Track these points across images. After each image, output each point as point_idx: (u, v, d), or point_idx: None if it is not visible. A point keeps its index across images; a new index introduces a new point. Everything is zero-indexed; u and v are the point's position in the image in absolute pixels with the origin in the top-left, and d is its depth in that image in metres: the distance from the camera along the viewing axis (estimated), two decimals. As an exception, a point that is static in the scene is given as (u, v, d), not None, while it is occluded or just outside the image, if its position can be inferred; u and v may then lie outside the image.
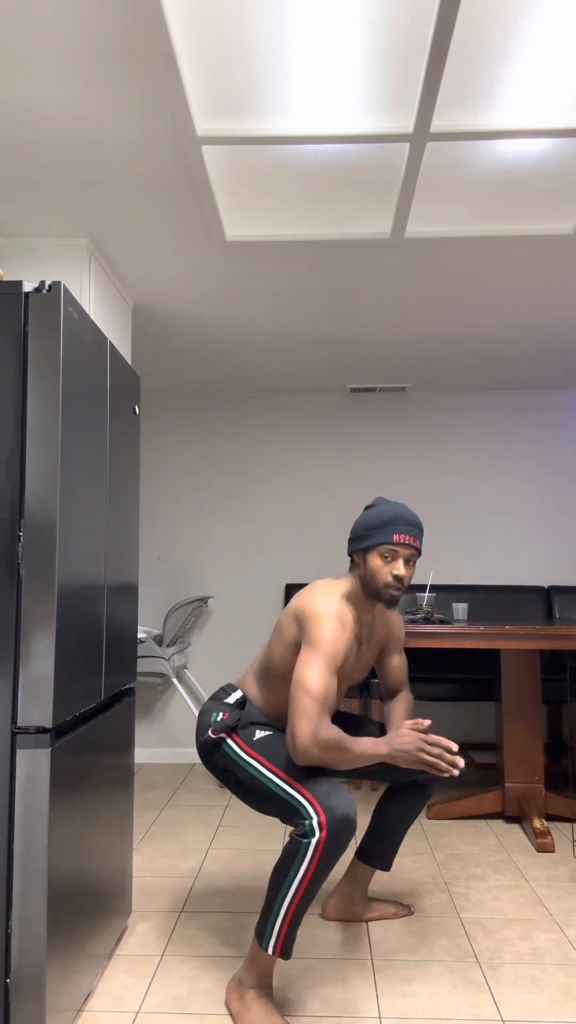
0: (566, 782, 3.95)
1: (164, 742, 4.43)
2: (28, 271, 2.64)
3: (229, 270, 2.86)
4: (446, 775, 1.85)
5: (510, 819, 3.30)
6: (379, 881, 2.63)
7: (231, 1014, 1.80)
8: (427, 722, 1.90)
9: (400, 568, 1.97)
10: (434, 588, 4.31)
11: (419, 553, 2.01)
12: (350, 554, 2.06)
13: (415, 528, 1.99)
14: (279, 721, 2.09)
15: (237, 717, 2.01)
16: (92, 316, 2.62)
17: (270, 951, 1.76)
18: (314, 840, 1.74)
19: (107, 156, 2.13)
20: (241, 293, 3.08)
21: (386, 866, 2.31)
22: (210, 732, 1.99)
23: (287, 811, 1.82)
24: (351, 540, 2.06)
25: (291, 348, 3.78)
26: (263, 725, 2.02)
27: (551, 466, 4.53)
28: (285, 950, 1.77)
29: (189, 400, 4.65)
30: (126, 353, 3.06)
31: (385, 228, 2.55)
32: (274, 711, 2.08)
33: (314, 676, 1.82)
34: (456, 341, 3.67)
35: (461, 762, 1.83)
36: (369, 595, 2.02)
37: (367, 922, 2.32)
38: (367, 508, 2.07)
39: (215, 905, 2.44)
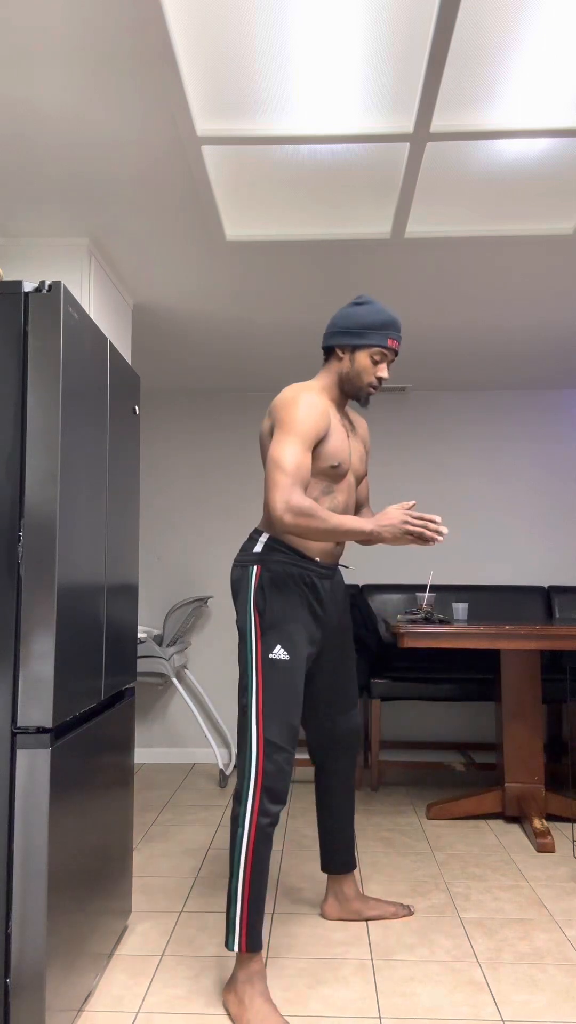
0: (566, 782, 3.95)
1: (164, 742, 4.43)
2: (28, 271, 2.64)
3: (229, 270, 2.86)
4: (432, 544, 1.90)
5: (510, 819, 3.30)
6: (379, 881, 2.64)
7: (230, 1015, 1.80)
8: (412, 502, 1.96)
9: (385, 371, 2.06)
10: (434, 588, 4.31)
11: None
12: (331, 347, 2.08)
13: (400, 333, 2.07)
14: (304, 548, 2.03)
15: (264, 601, 1.96)
16: (92, 316, 2.62)
17: (235, 948, 1.79)
18: (247, 810, 1.85)
19: (107, 156, 2.13)
20: (241, 293, 3.08)
21: (350, 866, 2.31)
22: (250, 600, 1.97)
23: (242, 745, 1.91)
24: (337, 333, 2.06)
25: (291, 348, 3.78)
26: (286, 629, 1.95)
27: (551, 466, 4.53)
28: (251, 942, 1.80)
29: (189, 400, 4.65)
30: (126, 353, 3.06)
31: (385, 228, 2.55)
32: (293, 537, 2.06)
33: (286, 452, 1.88)
34: (456, 341, 3.67)
35: (445, 530, 1.90)
36: (345, 391, 2.09)
37: (367, 921, 2.32)
38: (356, 304, 2.07)
39: (215, 905, 2.44)
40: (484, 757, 4.34)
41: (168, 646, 4.02)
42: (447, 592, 4.29)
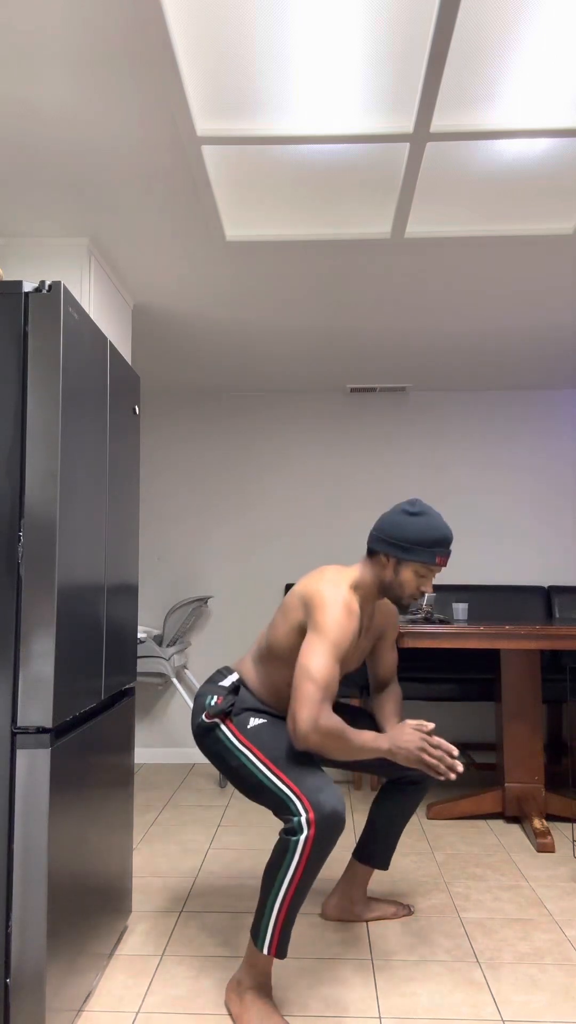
0: (566, 782, 3.95)
1: (164, 742, 4.43)
2: (28, 271, 2.64)
3: (229, 270, 2.86)
4: (443, 779, 1.85)
5: (510, 819, 3.30)
6: (379, 881, 2.64)
7: (231, 1015, 1.80)
8: (431, 725, 1.91)
9: (429, 585, 2.01)
10: (434, 588, 4.31)
11: None
12: (378, 551, 2.02)
13: (450, 548, 2.01)
14: (274, 706, 2.08)
15: (231, 702, 2.00)
16: (92, 316, 2.62)
17: (265, 951, 1.76)
18: (302, 837, 1.74)
19: (107, 156, 2.13)
20: (241, 293, 3.08)
21: (384, 865, 2.31)
22: (204, 717, 1.99)
23: (276, 804, 1.82)
24: (386, 542, 2.00)
25: (291, 348, 3.78)
26: (257, 712, 2.01)
27: (551, 466, 4.53)
28: (280, 949, 1.77)
29: (189, 400, 4.65)
30: (126, 353, 3.06)
31: (385, 228, 2.55)
32: (270, 695, 2.07)
33: (318, 662, 1.82)
34: (456, 341, 3.67)
35: (460, 767, 1.83)
36: (384, 595, 2.04)
37: (367, 922, 2.32)
38: (410, 513, 2.00)
39: (215, 905, 2.44)
40: (484, 757, 4.34)
41: (168, 646, 4.02)
42: (447, 592, 4.29)
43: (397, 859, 2.84)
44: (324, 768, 3.30)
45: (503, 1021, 1.79)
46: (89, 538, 1.85)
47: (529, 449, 4.54)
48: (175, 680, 4.00)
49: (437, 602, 4.26)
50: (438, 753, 1.84)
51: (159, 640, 4.17)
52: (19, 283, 1.67)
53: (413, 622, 3.12)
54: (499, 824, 3.25)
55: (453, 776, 1.83)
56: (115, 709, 2.09)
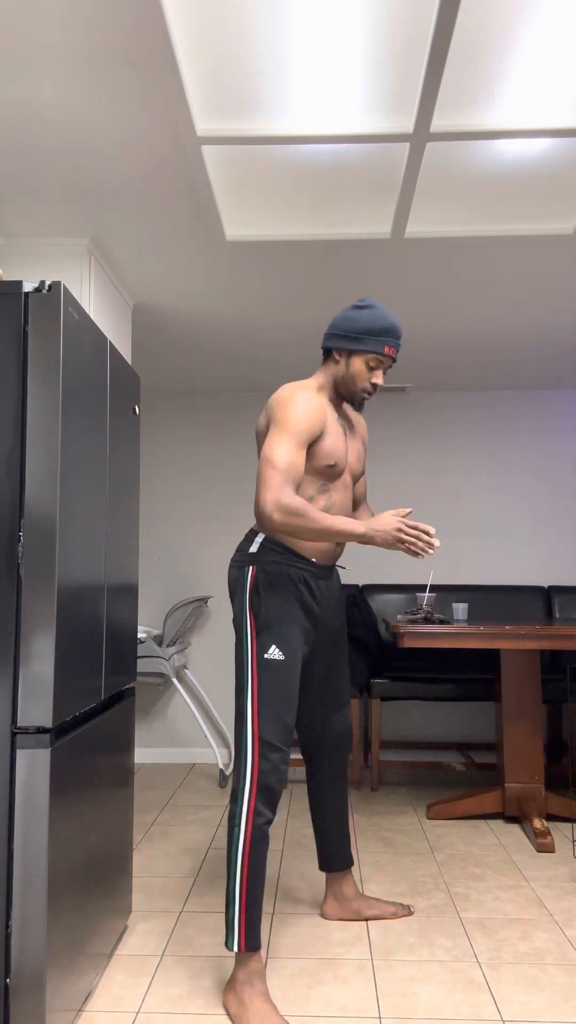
0: (566, 782, 3.95)
1: (164, 742, 4.43)
2: (28, 271, 2.64)
3: (229, 270, 2.86)
4: (422, 556, 1.90)
5: (510, 819, 3.30)
6: (379, 881, 2.64)
7: (230, 1015, 1.80)
8: (408, 510, 1.95)
9: (381, 377, 2.04)
10: (434, 588, 4.31)
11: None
12: (329, 348, 2.07)
13: (400, 340, 2.05)
14: (298, 548, 2.03)
15: (260, 602, 1.97)
16: (92, 316, 2.62)
17: (235, 948, 1.80)
18: (243, 809, 1.86)
19: (107, 156, 2.13)
20: (241, 293, 3.08)
21: (347, 863, 2.32)
22: (247, 601, 1.98)
23: (238, 744, 1.92)
24: (336, 336, 2.05)
25: (291, 348, 3.78)
26: (282, 629, 1.96)
27: (551, 466, 4.53)
28: (250, 942, 1.80)
29: (189, 400, 4.65)
30: (126, 353, 3.06)
31: (385, 228, 2.55)
32: (285, 537, 2.06)
33: (278, 449, 1.87)
34: (456, 341, 3.67)
35: (437, 543, 1.89)
36: (340, 394, 2.09)
37: (367, 920, 2.32)
38: (358, 307, 2.05)
39: (215, 905, 2.44)
40: (484, 757, 4.34)
41: (168, 646, 4.02)
42: (447, 592, 4.29)
43: (397, 859, 2.84)
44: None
45: (503, 1021, 1.79)
46: (89, 538, 1.85)
47: (529, 449, 4.54)
48: (175, 680, 4.00)
49: (437, 602, 4.26)
50: (415, 532, 1.88)
51: (159, 640, 4.17)
52: (19, 283, 1.67)
53: (413, 622, 3.12)
54: (499, 824, 3.25)
55: (431, 552, 1.88)
56: (115, 709, 2.09)
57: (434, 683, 3.80)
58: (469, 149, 2.09)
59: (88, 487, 1.85)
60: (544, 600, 4.29)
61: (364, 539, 1.90)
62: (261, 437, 2.03)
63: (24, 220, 2.51)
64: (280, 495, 1.83)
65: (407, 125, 1.99)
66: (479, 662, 4.03)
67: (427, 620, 3.22)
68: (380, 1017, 1.81)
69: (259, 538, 2.03)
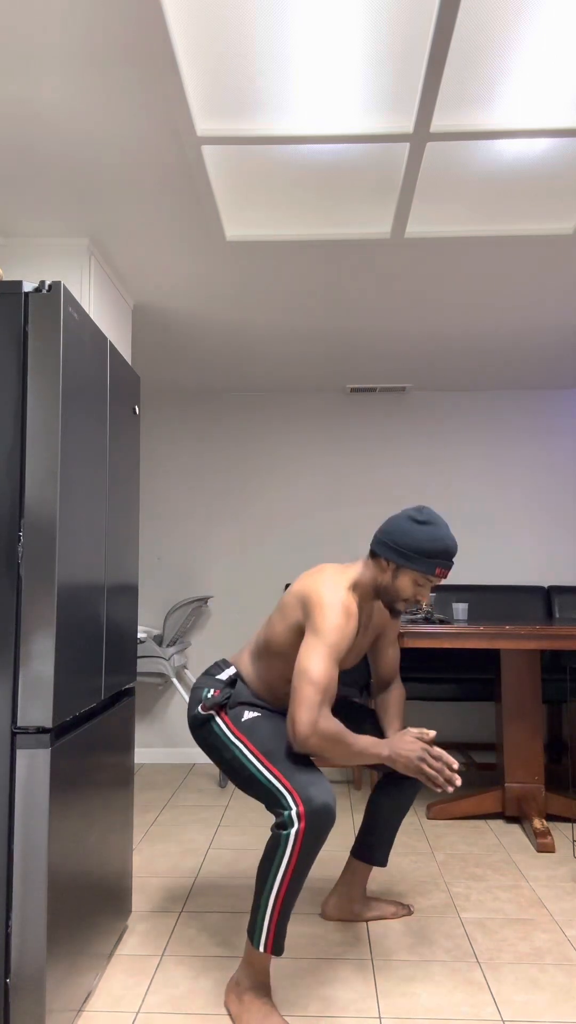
0: (566, 782, 3.95)
1: (164, 742, 4.43)
2: (28, 271, 2.64)
3: (229, 270, 2.86)
4: (439, 791, 1.87)
5: (510, 819, 3.30)
6: (379, 881, 2.64)
7: (230, 1015, 1.80)
8: (432, 733, 1.92)
9: (425, 595, 2.00)
10: (434, 589, 4.31)
11: None
12: (379, 555, 2.00)
13: (453, 560, 1.99)
14: (270, 701, 2.10)
15: (227, 695, 2.00)
16: (92, 316, 2.62)
17: (261, 948, 1.77)
18: (293, 831, 1.75)
19: (107, 156, 2.13)
20: (241, 293, 3.08)
21: (383, 861, 2.31)
22: (199, 708, 1.99)
23: (268, 798, 1.83)
24: (388, 547, 1.98)
25: (291, 348, 3.78)
26: (252, 706, 2.03)
27: (551, 466, 4.53)
28: (276, 946, 1.78)
29: (189, 400, 4.65)
30: (126, 353, 3.06)
31: (385, 228, 2.55)
32: (266, 690, 2.09)
33: (317, 665, 1.82)
34: (456, 341, 3.67)
35: (458, 780, 1.85)
36: (379, 597, 2.04)
37: (367, 922, 2.32)
38: (417, 521, 1.98)
39: (215, 905, 2.44)
40: (484, 757, 4.34)
41: (168, 646, 4.02)
42: (447, 592, 4.29)
43: (397, 859, 2.84)
44: (324, 767, 3.28)
45: (503, 1021, 1.79)
46: (89, 538, 1.85)
47: (529, 449, 4.54)
48: (175, 680, 4.00)
49: (437, 602, 4.26)
50: (438, 765, 1.85)
51: (159, 640, 4.17)
52: (19, 283, 1.67)
53: (413, 622, 3.12)
54: (499, 824, 3.25)
55: (451, 789, 1.84)
56: (115, 709, 2.09)
57: (434, 683, 3.79)
58: (469, 149, 2.09)
59: (88, 487, 1.85)
60: (544, 600, 4.29)
61: (388, 762, 1.88)
62: (291, 617, 1.99)
63: (24, 220, 2.51)
64: (319, 718, 1.79)
65: (407, 125, 1.99)
66: (479, 662, 4.03)
67: (427, 620, 3.22)
68: (380, 1017, 1.81)
69: (229, 670, 2.09)
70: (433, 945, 2.17)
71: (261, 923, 1.78)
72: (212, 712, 1.98)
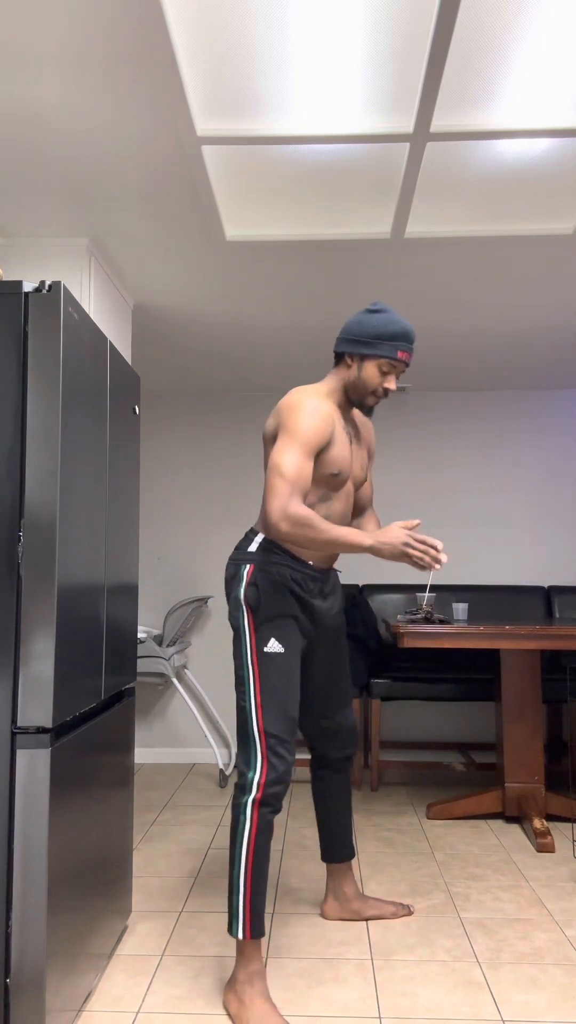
0: (566, 782, 3.95)
1: (164, 742, 4.43)
2: (28, 271, 2.64)
3: (229, 270, 2.86)
4: (429, 570, 1.89)
5: (510, 819, 3.30)
6: (379, 881, 2.64)
7: (230, 1015, 1.80)
8: (417, 521, 1.94)
9: (392, 383, 2.03)
10: (434, 588, 4.31)
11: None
12: (341, 353, 2.05)
13: (413, 345, 2.04)
14: (297, 553, 2.04)
15: (257, 599, 1.96)
16: (92, 316, 2.62)
17: (240, 935, 1.80)
18: (250, 799, 1.86)
19: (107, 156, 2.13)
20: (241, 293, 3.08)
21: (349, 854, 2.32)
22: (242, 593, 1.98)
23: (243, 739, 1.92)
24: (348, 340, 2.03)
25: (291, 348, 3.78)
26: (280, 624, 1.97)
27: (551, 466, 4.53)
28: (254, 928, 1.82)
29: (189, 400, 4.65)
30: (126, 353, 3.06)
31: (385, 228, 2.55)
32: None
33: (287, 458, 1.87)
34: (456, 341, 3.67)
35: (444, 558, 1.88)
36: (350, 399, 2.07)
37: (367, 920, 2.32)
38: (371, 311, 2.03)
39: (215, 905, 2.44)
40: (484, 757, 4.34)
41: (168, 646, 4.02)
42: (447, 592, 4.29)
43: (397, 859, 2.84)
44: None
45: (503, 1021, 1.79)
46: (89, 538, 1.85)
47: (529, 449, 4.54)
48: (175, 680, 4.00)
49: (437, 602, 4.26)
50: (422, 547, 1.87)
51: (159, 640, 4.17)
52: (19, 283, 1.67)
53: (413, 622, 3.12)
54: (499, 824, 3.25)
55: (438, 567, 1.87)
56: (115, 709, 2.09)
57: (434, 683, 3.80)
58: (469, 149, 2.09)
59: (88, 487, 1.85)
60: (544, 600, 4.29)
61: (371, 551, 1.89)
62: (269, 440, 2.03)
63: (24, 220, 2.51)
64: (288, 504, 1.83)
65: (407, 125, 1.99)
66: (479, 662, 4.03)
67: (427, 620, 3.22)
68: (380, 1017, 1.81)
69: (258, 538, 2.03)
70: (433, 945, 2.17)
71: (236, 907, 1.84)
72: (244, 611, 1.96)
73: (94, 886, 1.89)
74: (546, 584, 4.46)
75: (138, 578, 2.57)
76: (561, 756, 4.15)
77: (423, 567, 1.88)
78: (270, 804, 1.88)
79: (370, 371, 2.01)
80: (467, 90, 1.87)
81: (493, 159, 2.13)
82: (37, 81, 1.83)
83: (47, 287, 1.67)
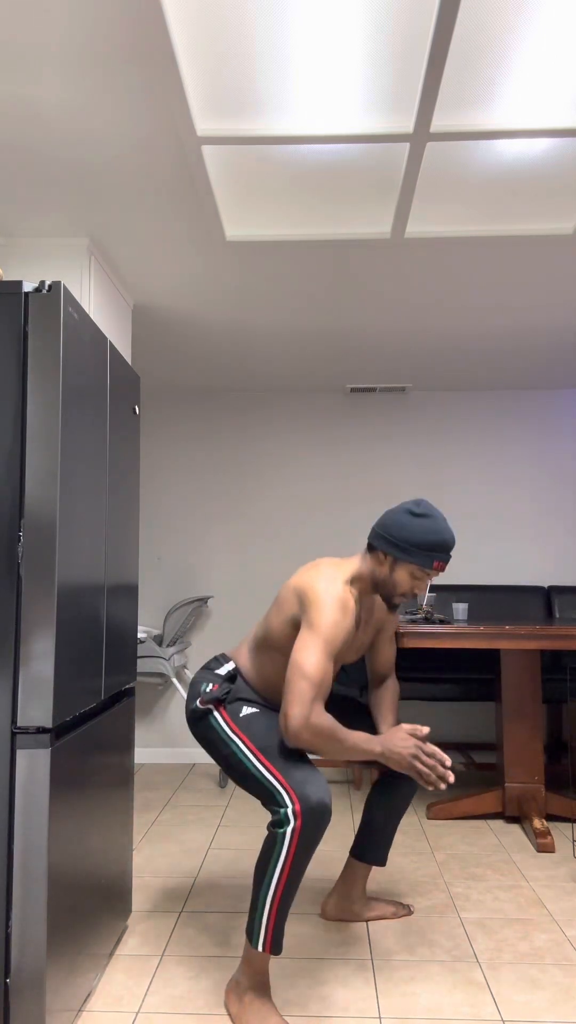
0: (566, 782, 3.95)
1: (164, 742, 4.43)
2: (28, 271, 2.64)
3: (229, 270, 2.86)
4: (431, 788, 1.86)
5: (510, 819, 3.30)
6: (379, 881, 2.64)
7: (230, 1015, 1.80)
8: (426, 729, 1.91)
9: (423, 588, 1.99)
10: (434, 588, 4.31)
11: None
12: (376, 548, 2.00)
13: (450, 554, 1.99)
14: (268, 697, 2.10)
15: (226, 690, 2.00)
16: (92, 316, 2.62)
17: (259, 948, 1.77)
18: (288, 829, 1.75)
19: (107, 156, 2.13)
20: (241, 293, 3.08)
21: (382, 860, 2.31)
22: (198, 702, 2.00)
23: (264, 795, 1.84)
24: (386, 540, 1.97)
25: (291, 348, 3.78)
26: (250, 702, 2.03)
27: (551, 466, 4.53)
28: (275, 945, 1.78)
29: (189, 400, 4.65)
30: (126, 353, 3.06)
31: (385, 228, 2.55)
32: (265, 684, 2.09)
33: (311, 660, 1.82)
34: (456, 341, 3.67)
35: (451, 777, 1.84)
36: (376, 591, 2.03)
37: (367, 922, 2.32)
38: (414, 514, 1.96)
39: (215, 905, 2.44)
40: (484, 757, 4.34)
41: (168, 646, 4.02)
42: (447, 592, 4.29)
43: (397, 859, 2.84)
44: (324, 767, 3.29)
45: (503, 1021, 1.79)
46: (89, 538, 1.85)
47: (529, 449, 4.54)
48: (175, 680, 4.00)
49: (437, 602, 4.26)
50: (431, 762, 1.85)
51: (159, 640, 4.17)
52: (19, 283, 1.67)
53: (413, 622, 3.12)
54: (499, 824, 3.25)
55: (443, 786, 1.85)
56: (115, 709, 2.09)
57: (434, 683, 3.79)
58: (469, 149, 2.09)
59: (88, 487, 1.85)
60: (544, 600, 4.29)
61: (381, 759, 1.87)
62: (286, 611, 1.98)
63: (24, 220, 2.51)
64: (311, 713, 1.79)
65: (407, 125, 1.99)
66: (479, 662, 4.03)
67: (427, 620, 3.22)
68: (380, 1017, 1.81)
69: (228, 665, 2.09)
70: (433, 945, 2.17)
71: (259, 923, 1.78)
72: (210, 707, 1.98)
73: (94, 886, 1.89)
74: (546, 584, 4.46)
75: (138, 578, 2.56)
76: (561, 756, 4.15)
77: (429, 785, 1.85)
78: (312, 830, 1.76)
79: (402, 575, 1.97)
80: (467, 90, 1.87)
81: (493, 159, 2.13)
82: (37, 81, 1.83)
83: (47, 287, 1.67)
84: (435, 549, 1.94)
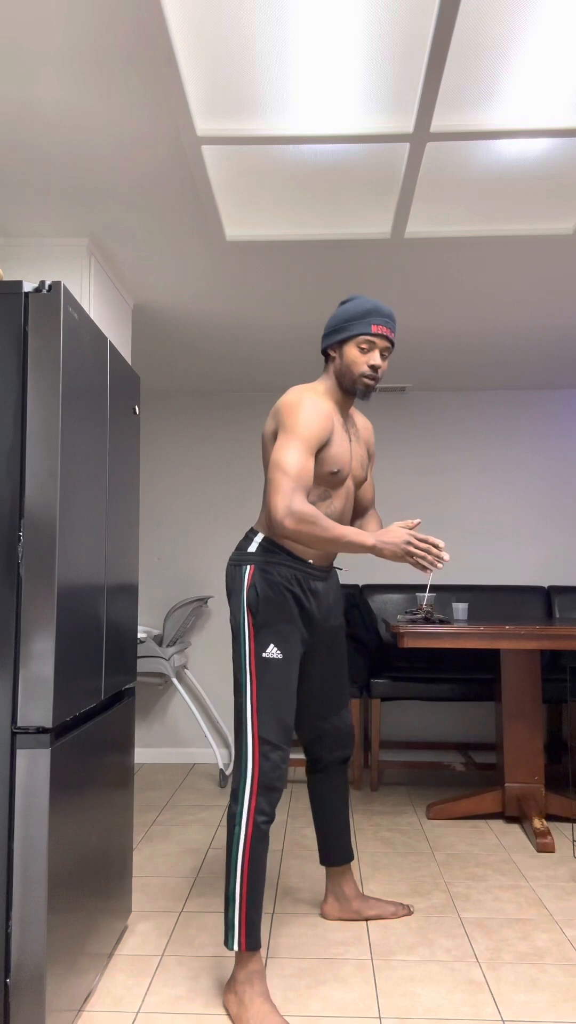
0: (566, 782, 3.95)
1: (164, 742, 4.43)
2: (28, 271, 2.64)
3: (229, 270, 2.86)
4: (430, 570, 1.89)
5: (510, 819, 3.30)
6: (379, 880, 2.64)
7: (230, 1015, 1.80)
8: (417, 520, 1.94)
9: (376, 358, 2.03)
10: (434, 588, 4.31)
11: (393, 346, 2.06)
12: (325, 350, 2.10)
13: (390, 320, 2.04)
14: (293, 550, 2.04)
15: (257, 600, 1.96)
16: (92, 316, 2.62)
17: (236, 947, 1.79)
18: (244, 808, 1.87)
19: (107, 156, 2.13)
20: (241, 293, 3.08)
21: (348, 856, 2.32)
22: (244, 600, 1.98)
23: (238, 744, 1.92)
24: (326, 335, 2.08)
25: (291, 348, 3.78)
26: (279, 628, 1.97)
27: (551, 466, 4.53)
28: (250, 941, 1.80)
29: (189, 400, 4.65)
30: (126, 353, 3.06)
31: (385, 228, 2.55)
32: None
33: (289, 455, 1.87)
34: (456, 341, 3.67)
35: (446, 557, 1.88)
36: (345, 388, 2.08)
37: (367, 920, 2.32)
38: (342, 303, 2.08)
39: (215, 905, 2.44)
40: (484, 757, 4.34)
41: (168, 646, 4.02)
42: (447, 592, 4.29)
43: (397, 859, 2.84)
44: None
45: (503, 1021, 1.79)
46: (89, 538, 1.85)
47: (529, 449, 4.54)
48: (175, 680, 4.00)
49: (437, 602, 4.26)
50: (424, 546, 1.87)
51: (159, 640, 4.17)
52: (19, 283, 1.67)
53: (413, 622, 3.12)
54: (499, 824, 3.25)
55: (440, 566, 1.88)
56: (115, 709, 2.09)
57: (434, 683, 3.79)
58: (469, 149, 2.09)
59: (88, 487, 1.85)
60: (544, 600, 4.29)
61: (372, 551, 1.89)
62: (268, 440, 2.03)
63: (24, 220, 2.51)
64: (292, 501, 1.83)
65: (407, 125, 1.99)
66: (479, 662, 4.03)
67: (427, 620, 3.22)
68: (380, 1017, 1.81)
69: (258, 538, 2.03)
70: (433, 945, 2.17)
71: (232, 919, 1.83)
72: (246, 614, 1.97)
73: (94, 886, 1.89)
74: (546, 584, 4.46)
75: (138, 578, 2.57)
76: (561, 756, 4.15)
77: (425, 567, 1.88)
78: (264, 812, 1.88)
79: (352, 354, 2.03)
80: (467, 90, 1.87)
81: (493, 159, 2.13)
82: (37, 81, 1.83)
83: (47, 287, 1.67)
84: (369, 315, 2.01)
